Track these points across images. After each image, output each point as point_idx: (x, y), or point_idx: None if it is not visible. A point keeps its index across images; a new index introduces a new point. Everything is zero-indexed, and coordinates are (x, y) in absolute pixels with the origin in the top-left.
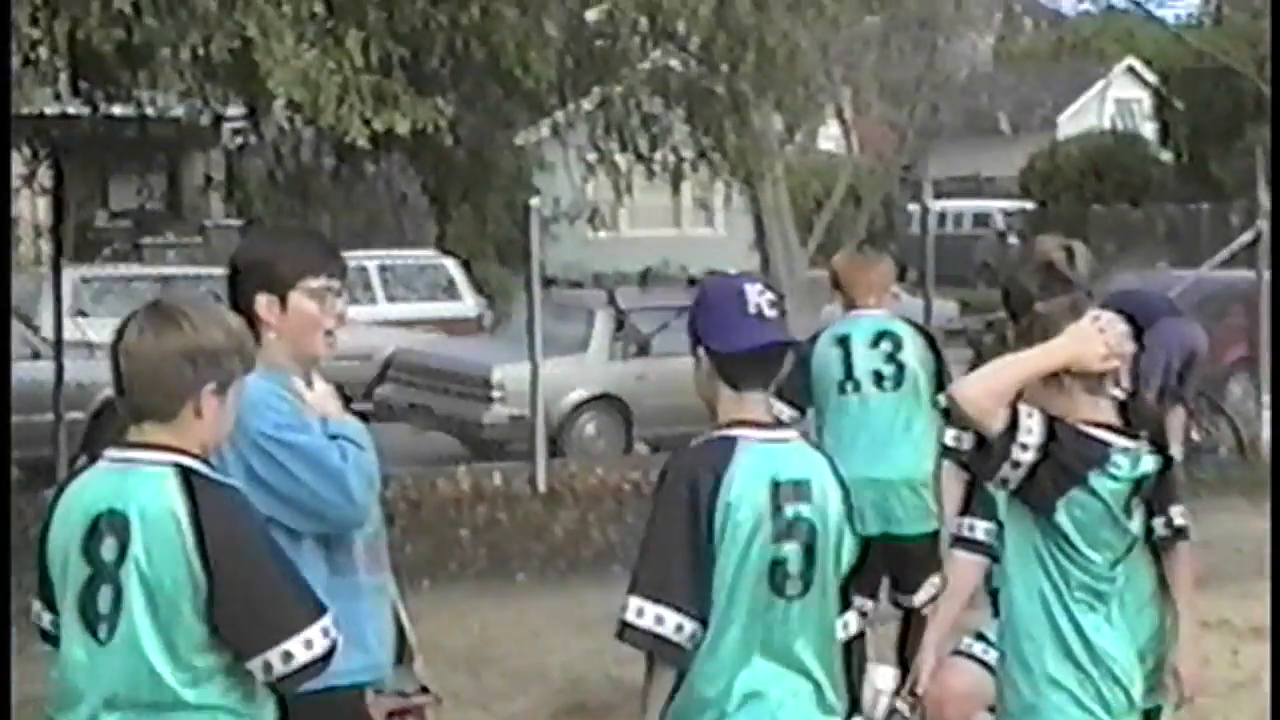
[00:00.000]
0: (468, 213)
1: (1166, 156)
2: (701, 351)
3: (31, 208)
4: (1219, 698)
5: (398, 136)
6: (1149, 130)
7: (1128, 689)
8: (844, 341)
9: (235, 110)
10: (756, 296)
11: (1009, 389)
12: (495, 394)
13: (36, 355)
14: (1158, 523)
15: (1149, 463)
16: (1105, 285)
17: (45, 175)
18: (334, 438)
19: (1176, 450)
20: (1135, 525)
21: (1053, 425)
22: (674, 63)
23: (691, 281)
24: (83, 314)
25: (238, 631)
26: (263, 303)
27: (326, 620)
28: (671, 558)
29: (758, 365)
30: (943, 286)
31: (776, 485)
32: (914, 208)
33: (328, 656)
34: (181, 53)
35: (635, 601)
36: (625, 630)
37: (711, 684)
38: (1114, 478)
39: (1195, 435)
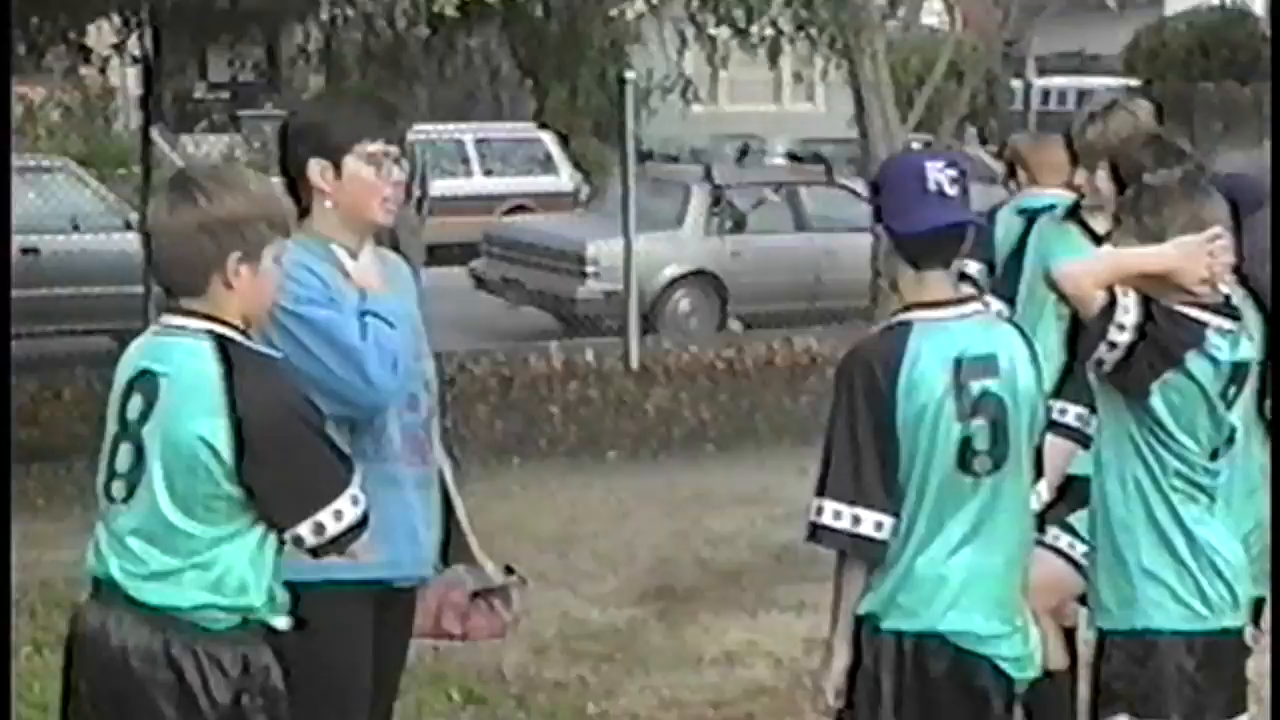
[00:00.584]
0: (565, 87)
1: None
2: (881, 229)
3: (121, 77)
4: None
5: (488, 5)
6: (1259, 6)
7: (1231, 584)
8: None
9: None
10: (937, 173)
11: (1108, 280)
12: (589, 269)
13: (128, 225)
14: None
15: (1248, 348)
16: (1211, 163)
17: (136, 45)
18: (365, 314)
19: None
20: (1235, 416)
21: (1149, 306)
22: None
23: (791, 156)
24: None
25: (268, 501)
26: (315, 169)
27: (354, 488)
28: (858, 454)
29: (939, 245)
30: None
31: (959, 362)
32: (1017, 84)
33: (361, 524)
34: None
35: (828, 504)
36: (818, 532)
37: (899, 563)
38: (1212, 359)
39: None
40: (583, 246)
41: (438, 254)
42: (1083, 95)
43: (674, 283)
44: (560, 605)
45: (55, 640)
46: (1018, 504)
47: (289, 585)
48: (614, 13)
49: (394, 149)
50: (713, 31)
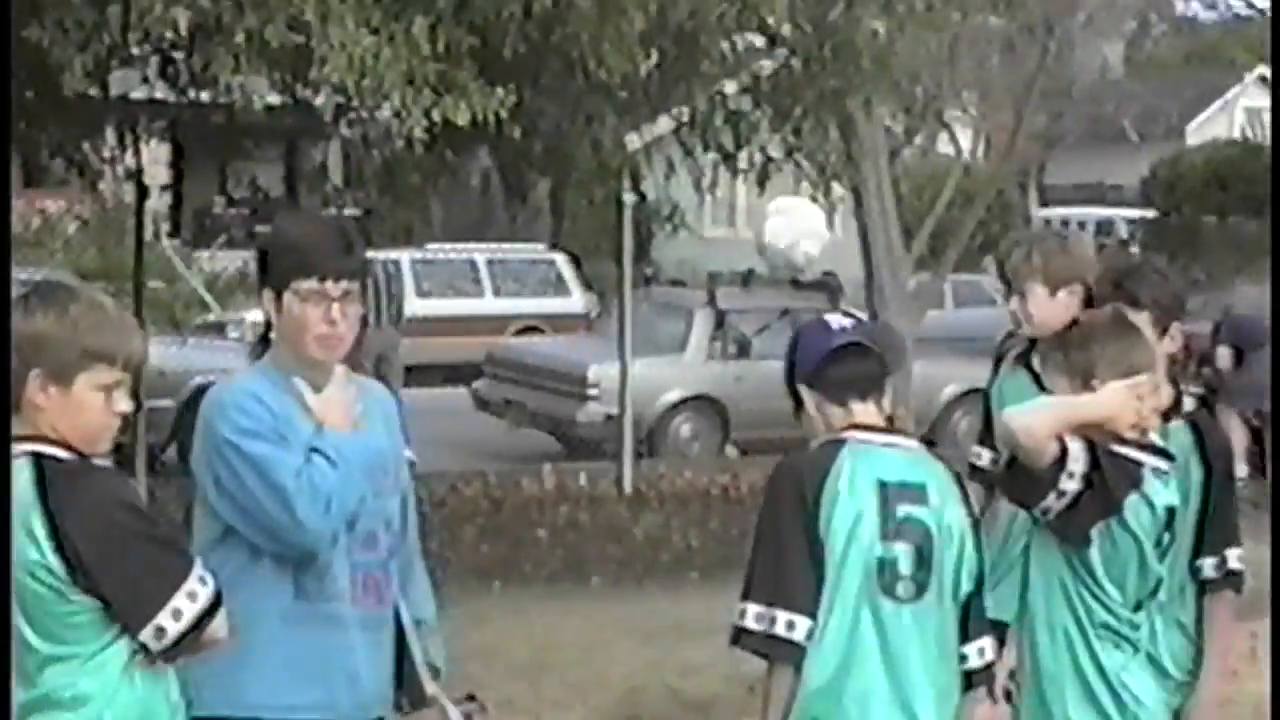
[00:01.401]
0: (584, 209)
1: None
2: (803, 390)
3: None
4: None
5: (458, 128)
6: None
7: None
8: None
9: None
10: (840, 320)
11: (1056, 430)
12: (591, 391)
13: None
14: (1208, 563)
15: (1174, 494)
16: (1226, 297)
17: (132, 159)
18: (313, 450)
19: (1241, 468)
20: (1162, 568)
21: (1094, 452)
22: (765, 62)
23: (795, 283)
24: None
25: (120, 607)
26: (266, 298)
27: (199, 568)
28: (780, 558)
29: (850, 368)
30: None
31: (885, 485)
32: (1042, 214)
33: (216, 604)
34: (236, 36)
35: (751, 607)
36: (740, 636)
37: (813, 679)
38: (1149, 503)
39: None
40: (585, 368)
41: (446, 374)
42: (1100, 225)
43: (675, 406)
44: None
45: None
46: (944, 637)
47: None
48: (611, 139)
49: (336, 285)
50: (700, 156)
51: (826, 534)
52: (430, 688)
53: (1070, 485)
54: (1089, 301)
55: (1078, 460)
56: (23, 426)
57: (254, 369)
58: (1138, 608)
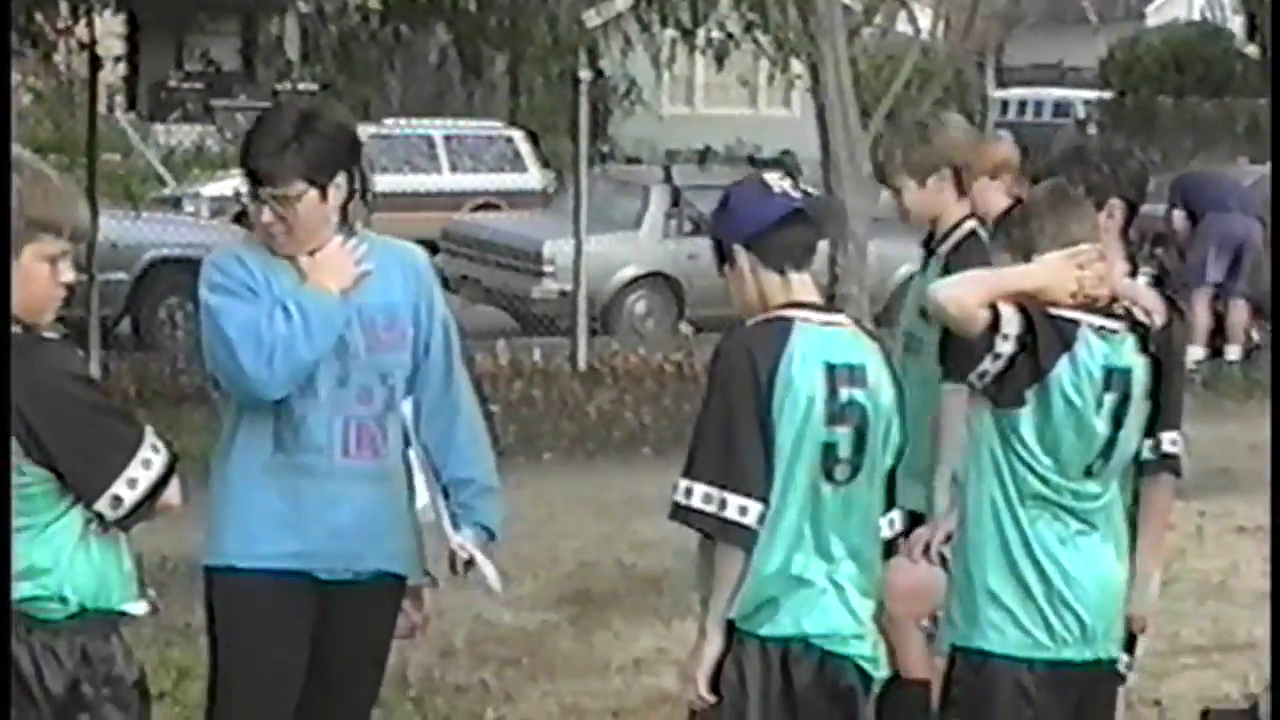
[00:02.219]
0: (541, 86)
1: (1252, 50)
2: (737, 250)
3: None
4: (1245, 607)
5: (414, 2)
6: (1237, 24)
7: (1081, 617)
8: None
9: None
10: (779, 182)
11: (986, 299)
12: (546, 268)
13: None
14: (1145, 445)
15: (1128, 354)
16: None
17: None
18: (281, 306)
19: (1234, 350)
20: (1107, 428)
21: (1028, 314)
22: None
23: (752, 161)
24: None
25: (74, 477)
26: None
27: (150, 436)
28: (732, 440)
29: (795, 237)
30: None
31: (831, 368)
32: (998, 95)
33: (169, 471)
34: None
35: (698, 487)
36: (685, 514)
37: (765, 565)
38: (1083, 365)
39: (1256, 335)
40: (540, 245)
41: None
42: (1058, 106)
43: (631, 284)
44: (473, 608)
45: None
46: (871, 515)
47: (219, 570)
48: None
49: (274, 189)
50: (659, 33)
51: (779, 418)
52: (469, 547)
53: (1005, 348)
54: (960, 183)
55: (1010, 323)
56: None
57: (237, 240)
58: (1088, 474)
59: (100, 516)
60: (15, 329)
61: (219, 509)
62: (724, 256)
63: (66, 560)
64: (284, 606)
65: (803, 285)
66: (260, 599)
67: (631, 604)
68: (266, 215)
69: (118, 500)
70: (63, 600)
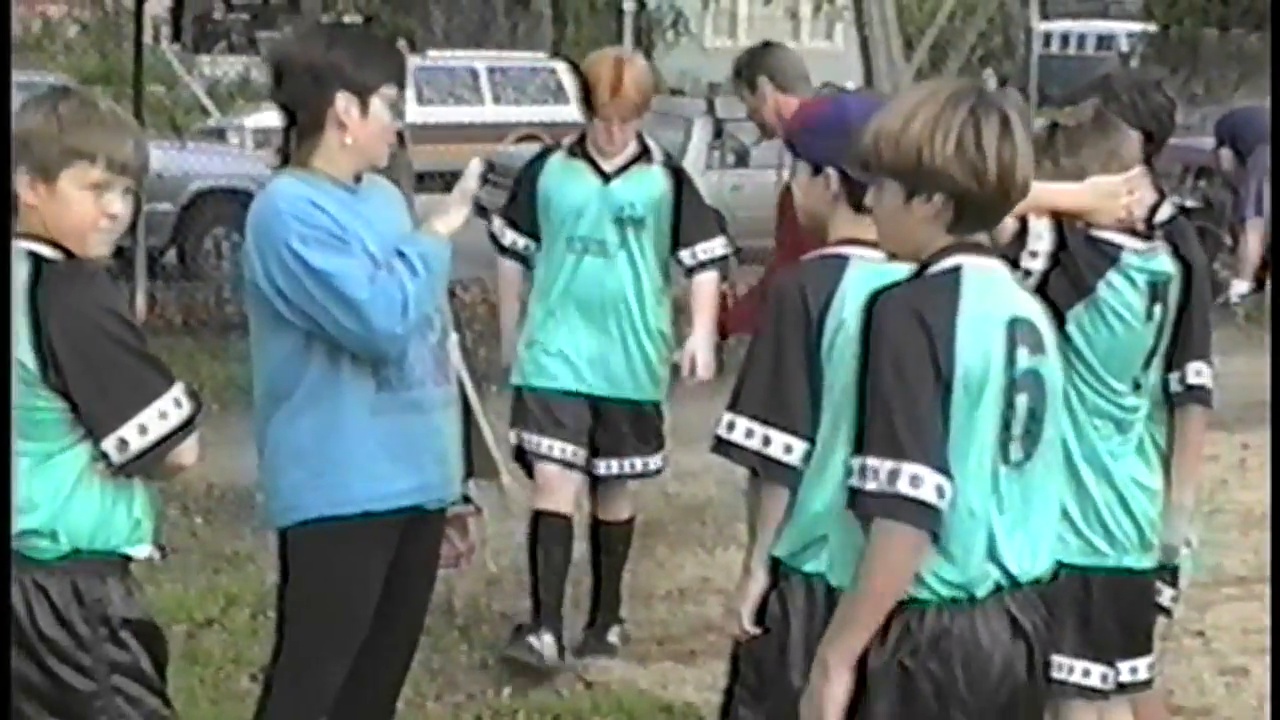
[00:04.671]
0: (586, 16)
1: None
2: (832, 171)
3: None
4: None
5: None
6: None
7: (1140, 522)
8: None
9: None
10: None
11: (1021, 211)
12: None
13: None
14: (1172, 377)
15: (1167, 264)
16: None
17: None
18: (400, 255)
19: (1243, 285)
20: (1153, 339)
21: (1063, 232)
22: None
23: None
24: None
25: (86, 411)
26: (343, 104)
27: (178, 390)
28: (779, 375)
29: None
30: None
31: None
32: (1041, 27)
33: (187, 427)
34: None
35: (740, 421)
36: (722, 446)
37: (813, 502)
38: (1129, 278)
39: None
40: None
41: (447, 181)
42: (1101, 39)
43: None
44: (516, 536)
45: None
46: None
47: (350, 519)
48: None
49: (401, 92)
50: None
51: (827, 359)
52: (498, 460)
53: (1035, 264)
54: None
55: (1040, 239)
56: (22, 225)
57: (296, 177)
58: (1135, 387)
59: (106, 457)
60: (57, 255)
61: (329, 458)
62: (817, 170)
63: (65, 496)
64: (392, 544)
65: (868, 224)
66: (389, 540)
67: (675, 532)
68: (398, 121)
69: (124, 443)
70: (54, 538)
